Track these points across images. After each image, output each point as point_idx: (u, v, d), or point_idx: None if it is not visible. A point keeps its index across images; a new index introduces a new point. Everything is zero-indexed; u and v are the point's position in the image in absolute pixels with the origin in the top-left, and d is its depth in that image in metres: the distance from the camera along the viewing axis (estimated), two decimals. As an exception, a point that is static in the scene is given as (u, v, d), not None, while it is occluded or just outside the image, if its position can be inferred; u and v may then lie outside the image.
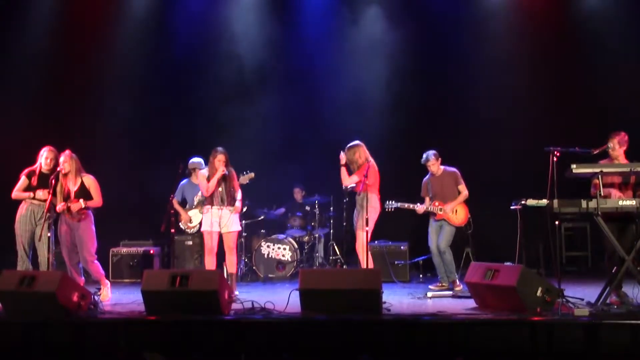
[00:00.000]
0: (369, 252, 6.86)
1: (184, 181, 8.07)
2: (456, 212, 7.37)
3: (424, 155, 7.42)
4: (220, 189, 6.98)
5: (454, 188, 7.40)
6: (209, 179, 6.97)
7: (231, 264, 7.02)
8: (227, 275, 7.05)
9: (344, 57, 9.88)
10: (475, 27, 9.56)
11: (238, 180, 7.17)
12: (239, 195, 7.10)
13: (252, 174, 7.32)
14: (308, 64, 9.75)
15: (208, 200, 7.02)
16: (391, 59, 9.68)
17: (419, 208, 7.42)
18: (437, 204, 7.39)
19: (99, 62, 9.70)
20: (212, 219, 6.94)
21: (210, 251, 6.98)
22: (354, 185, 7.04)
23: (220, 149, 7.03)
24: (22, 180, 6.85)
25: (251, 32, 9.96)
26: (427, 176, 7.56)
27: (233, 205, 7.01)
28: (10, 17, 9.61)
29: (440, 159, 7.45)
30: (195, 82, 9.92)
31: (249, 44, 9.91)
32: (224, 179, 6.98)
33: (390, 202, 7.38)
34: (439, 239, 7.35)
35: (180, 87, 9.88)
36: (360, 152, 7.01)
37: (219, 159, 6.94)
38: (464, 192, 7.39)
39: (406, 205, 7.41)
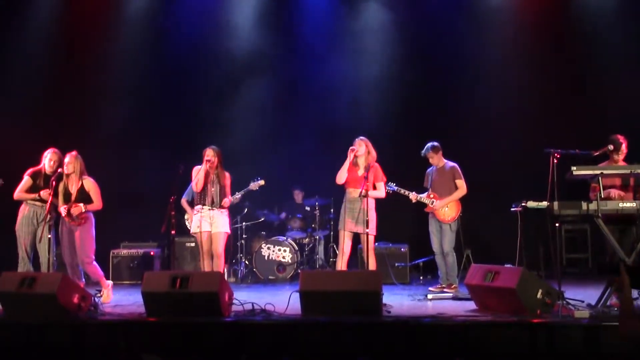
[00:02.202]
0: (374, 255, 6.86)
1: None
2: (446, 208, 7.28)
3: (424, 148, 7.39)
4: (213, 189, 6.93)
5: (451, 183, 7.32)
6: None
7: (218, 269, 6.83)
8: None
9: (342, 52, 9.87)
10: (475, 27, 9.55)
11: (248, 186, 7.16)
12: (228, 198, 7.01)
13: (262, 181, 7.31)
14: (305, 57, 9.74)
15: (199, 200, 6.95)
16: (389, 55, 9.69)
17: (413, 196, 7.34)
18: (432, 195, 7.33)
19: (98, 62, 9.71)
20: (202, 219, 6.88)
21: (205, 253, 6.90)
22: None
23: (212, 146, 6.98)
24: (25, 181, 6.81)
25: (248, 25, 9.96)
26: (432, 167, 7.51)
27: (224, 207, 6.94)
28: (10, 17, 9.61)
29: (441, 151, 7.40)
30: (195, 81, 9.93)
31: (245, 38, 9.91)
32: (217, 179, 6.93)
33: (391, 184, 7.30)
34: (442, 241, 7.28)
35: (179, 86, 9.88)
36: (371, 149, 6.93)
37: (207, 154, 6.90)
38: (462, 187, 7.28)
39: (402, 190, 7.32)
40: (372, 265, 6.70)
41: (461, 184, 7.31)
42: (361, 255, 7.09)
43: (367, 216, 6.59)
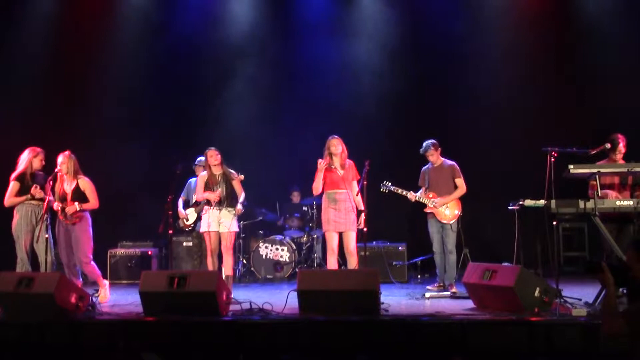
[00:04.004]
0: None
1: (193, 180, 8.05)
2: (446, 208, 7.23)
3: (423, 145, 7.31)
4: (219, 189, 6.94)
5: (450, 182, 7.25)
6: (206, 184, 6.98)
7: (228, 266, 6.93)
8: (225, 277, 7.02)
9: (341, 47, 9.85)
10: (475, 24, 9.52)
11: None
12: (241, 197, 7.04)
13: (242, 176, 7.30)
14: (305, 53, 9.71)
15: (207, 200, 6.98)
16: (388, 55, 9.65)
17: (411, 196, 7.28)
18: (431, 195, 7.26)
19: (97, 62, 9.69)
20: (211, 219, 6.91)
21: (212, 252, 6.94)
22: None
23: (211, 148, 7.00)
24: (13, 185, 6.75)
25: (244, 21, 9.94)
26: (427, 165, 7.43)
27: (232, 206, 6.96)
28: (10, 15, 9.59)
29: (440, 149, 7.33)
30: (194, 79, 9.90)
31: (244, 33, 9.88)
32: (225, 180, 6.94)
33: (387, 183, 7.29)
34: (445, 241, 7.19)
35: (178, 85, 9.85)
36: (344, 147, 6.93)
37: (209, 155, 6.93)
38: (462, 186, 7.22)
39: (400, 190, 7.30)
40: (354, 262, 6.74)
41: (461, 182, 7.25)
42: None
43: (352, 213, 6.76)
